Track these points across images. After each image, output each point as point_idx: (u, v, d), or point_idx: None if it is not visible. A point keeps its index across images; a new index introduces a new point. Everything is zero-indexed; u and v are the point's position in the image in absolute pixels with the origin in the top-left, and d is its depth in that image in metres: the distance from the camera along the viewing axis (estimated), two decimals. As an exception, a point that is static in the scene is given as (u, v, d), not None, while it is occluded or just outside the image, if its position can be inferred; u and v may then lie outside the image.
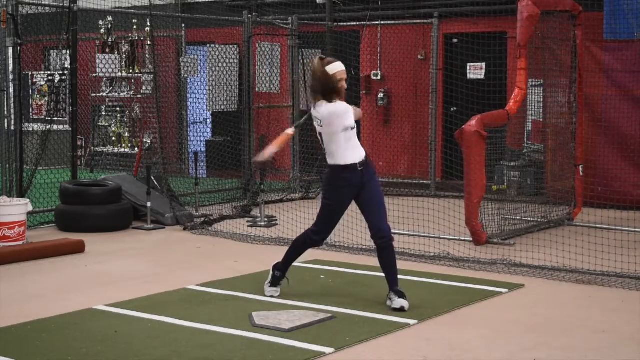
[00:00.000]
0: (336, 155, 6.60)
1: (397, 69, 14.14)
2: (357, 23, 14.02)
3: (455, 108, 13.42)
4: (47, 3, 11.70)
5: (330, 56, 7.05)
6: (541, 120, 11.01)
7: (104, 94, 16.01)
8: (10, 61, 10.54)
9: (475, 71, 12.91)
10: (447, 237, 9.57)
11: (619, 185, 11.45)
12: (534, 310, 6.71)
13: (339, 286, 7.47)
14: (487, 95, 11.57)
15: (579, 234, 9.15)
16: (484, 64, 12.77)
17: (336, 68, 6.56)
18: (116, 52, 15.17)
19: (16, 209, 9.36)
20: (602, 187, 10.93)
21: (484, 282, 7.56)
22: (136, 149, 15.10)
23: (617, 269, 7.88)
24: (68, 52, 11.13)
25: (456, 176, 11.40)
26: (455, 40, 13.87)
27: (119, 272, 8.20)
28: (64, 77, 12.24)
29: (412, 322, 6.28)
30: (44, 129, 11.05)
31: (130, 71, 15.39)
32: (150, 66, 14.38)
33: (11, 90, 10.59)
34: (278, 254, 7.42)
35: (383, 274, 6.72)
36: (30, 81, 16.01)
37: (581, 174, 10.66)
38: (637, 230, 9.86)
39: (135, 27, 15.10)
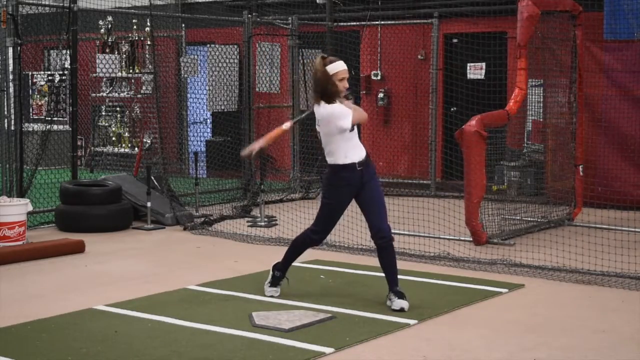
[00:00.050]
0: (335, 155, 6.60)
1: (397, 69, 14.14)
2: (357, 23, 14.02)
3: (455, 108, 13.42)
4: (47, 3, 11.71)
5: (332, 56, 7.03)
6: (541, 120, 11.01)
7: (104, 94, 16.01)
8: (10, 61, 10.54)
9: (475, 71, 12.91)
10: (447, 237, 9.57)
11: (619, 185, 11.45)
12: (534, 310, 6.71)
13: (339, 286, 7.47)
14: (487, 95, 11.57)
15: (579, 234, 9.15)
16: (484, 64, 12.78)
17: (337, 67, 6.55)
18: (116, 52, 15.17)
19: (16, 209, 9.36)
20: (602, 187, 10.93)
21: (484, 282, 7.56)
22: (136, 149, 15.10)
23: (617, 269, 7.88)
24: (68, 52, 11.13)
25: (456, 176, 11.41)
26: (455, 40, 13.87)
27: (119, 272, 8.20)
28: (64, 77, 12.23)
29: (412, 322, 6.28)
30: (44, 129, 11.05)
31: (130, 71, 15.39)
32: (150, 66, 14.38)
33: (11, 90, 10.60)
34: (278, 254, 7.42)
35: (383, 274, 6.72)
36: (30, 81, 16.01)
37: (581, 174, 10.66)
38: (637, 230, 9.86)
39: (135, 27, 15.10)
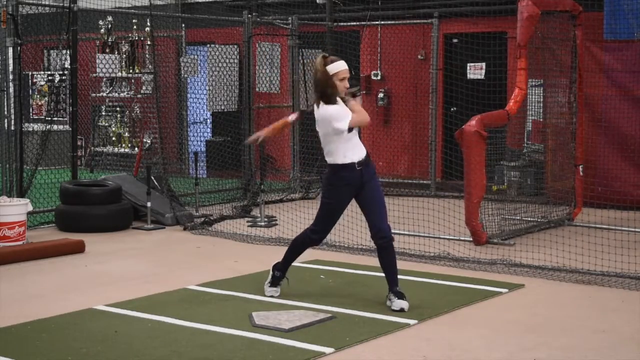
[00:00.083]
0: (334, 155, 6.60)
1: (397, 69, 14.14)
2: (357, 23, 14.02)
3: (455, 108, 13.42)
4: (47, 3, 11.70)
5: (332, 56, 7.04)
6: (541, 120, 11.01)
7: (104, 94, 16.01)
8: (10, 61, 10.54)
9: (475, 71, 12.91)
10: (447, 237, 9.57)
11: (619, 185, 11.45)
12: (534, 310, 6.71)
13: (339, 286, 7.47)
14: (487, 95, 11.56)
15: (579, 234, 9.15)
16: (484, 64, 12.77)
17: (337, 67, 6.53)
18: (116, 52, 15.17)
19: (16, 209, 9.36)
20: (602, 187, 10.93)
21: (484, 282, 7.56)
22: (136, 149, 15.10)
23: (617, 269, 7.88)
24: (68, 52, 11.13)
25: (456, 176, 11.41)
26: (455, 40, 13.87)
27: (119, 272, 8.20)
28: (64, 77, 12.24)
29: (412, 322, 6.28)
30: (44, 129, 11.05)
31: (130, 71, 15.39)
32: (150, 66, 14.38)
33: (11, 90, 10.60)
34: (278, 254, 7.42)
35: (383, 274, 6.72)
36: (30, 81, 16.01)
37: (581, 174, 10.66)
38: (637, 230, 9.86)
39: (135, 27, 15.10)
